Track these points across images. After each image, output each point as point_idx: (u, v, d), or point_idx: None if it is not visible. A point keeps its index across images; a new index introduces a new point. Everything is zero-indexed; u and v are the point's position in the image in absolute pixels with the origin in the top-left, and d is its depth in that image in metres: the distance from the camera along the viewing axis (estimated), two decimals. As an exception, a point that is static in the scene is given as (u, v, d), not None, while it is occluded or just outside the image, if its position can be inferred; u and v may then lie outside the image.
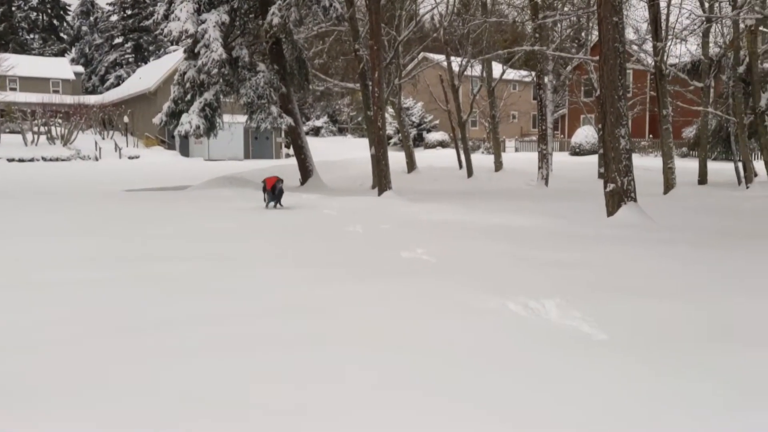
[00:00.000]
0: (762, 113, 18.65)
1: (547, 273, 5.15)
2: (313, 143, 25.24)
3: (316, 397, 2.56)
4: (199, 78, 16.56)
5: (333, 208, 11.13)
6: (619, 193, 9.19)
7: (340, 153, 34.67)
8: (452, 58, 25.51)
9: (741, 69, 20.44)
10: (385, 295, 4.38)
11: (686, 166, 25.69)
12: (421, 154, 33.19)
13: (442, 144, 41.92)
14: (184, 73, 17.09)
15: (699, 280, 4.75)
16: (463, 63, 24.91)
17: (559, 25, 25.91)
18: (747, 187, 20.57)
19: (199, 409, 2.44)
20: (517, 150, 41.78)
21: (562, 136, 43.14)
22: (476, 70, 27.95)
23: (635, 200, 9.27)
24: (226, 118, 19.04)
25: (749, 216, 12.35)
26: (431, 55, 33.91)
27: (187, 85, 16.84)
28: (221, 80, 16.37)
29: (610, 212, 9.31)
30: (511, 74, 34.15)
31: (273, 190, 11.03)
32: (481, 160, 30.07)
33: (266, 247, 6.88)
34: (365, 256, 6.31)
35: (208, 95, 16.58)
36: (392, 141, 39.60)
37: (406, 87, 31.47)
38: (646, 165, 26.91)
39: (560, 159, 31.60)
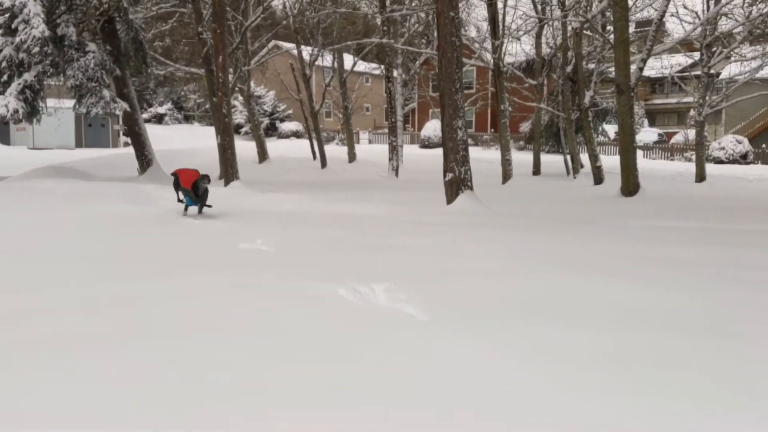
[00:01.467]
0: (586, 110, 20.48)
1: (382, 259, 5.17)
2: (156, 131, 23.81)
3: (129, 396, 2.30)
4: (17, 57, 14.82)
5: (170, 199, 10.47)
6: (457, 182, 9.56)
7: (187, 142, 33.03)
8: (303, 47, 25.24)
9: (569, 69, 22.29)
10: (214, 287, 4.19)
11: (523, 159, 27.63)
12: (274, 144, 32.61)
13: (297, 134, 41.45)
14: (0, 50, 15.22)
15: (518, 260, 5.01)
16: (314, 52, 24.74)
17: (408, 20, 26.63)
18: (574, 178, 22.56)
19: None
20: (371, 142, 42.48)
21: (412, 129, 44.55)
22: (328, 60, 27.92)
23: (472, 189, 9.70)
24: (52, 102, 17.27)
25: (572, 203, 13.50)
26: (282, 43, 33.35)
27: (3, 64, 15.00)
28: (44, 60, 14.77)
29: (449, 200, 9.67)
30: (362, 66, 34.58)
31: (195, 190, 8.31)
32: (336, 151, 30.21)
33: (86, 240, 6.28)
34: (200, 249, 6.00)
35: (28, 76, 14.88)
36: (243, 130, 38.47)
37: (256, 75, 30.68)
38: (489, 157, 28.61)
39: (411, 151, 32.60)
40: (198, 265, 5.04)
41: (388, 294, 3.94)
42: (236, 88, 23.44)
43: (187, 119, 47.84)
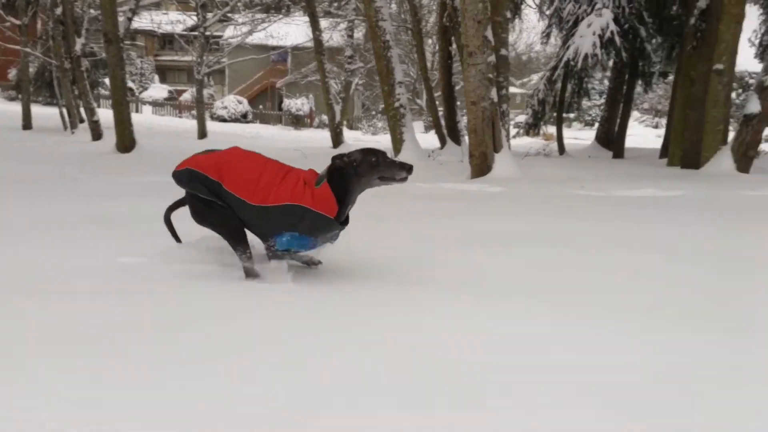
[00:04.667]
0: (78, 58, 18.75)
1: None
2: None
3: None
4: None
5: None
6: None
7: None
8: None
9: (59, 11, 19.94)
10: None
11: (13, 110, 24.40)
12: None
13: None
14: None
15: None
16: None
17: None
18: (72, 133, 20.77)
19: None
20: None
21: None
22: None
23: None
24: None
25: (63, 161, 12.22)
26: None
27: None
28: None
29: None
30: None
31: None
32: None
33: None
34: None
35: None
36: None
37: None
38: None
39: None
40: None
41: None
42: None
43: None
